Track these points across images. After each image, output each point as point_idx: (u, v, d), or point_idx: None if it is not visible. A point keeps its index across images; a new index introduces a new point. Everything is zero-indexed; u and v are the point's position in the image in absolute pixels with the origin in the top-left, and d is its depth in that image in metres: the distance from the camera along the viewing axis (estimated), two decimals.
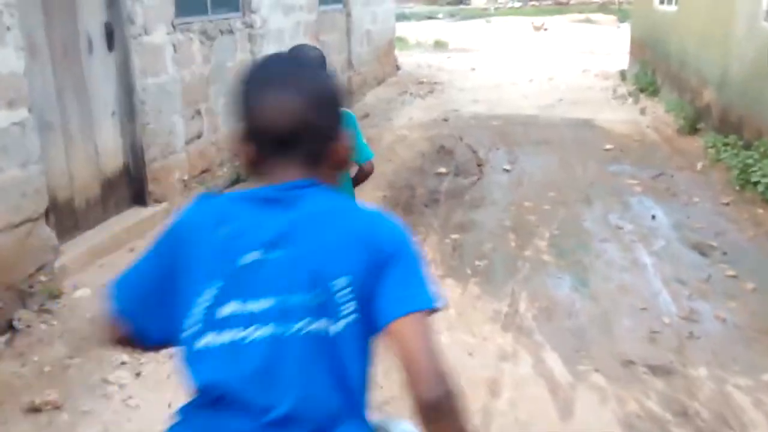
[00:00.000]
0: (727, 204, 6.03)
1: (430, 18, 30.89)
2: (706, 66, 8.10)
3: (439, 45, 20.05)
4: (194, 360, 1.23)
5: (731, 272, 4.63)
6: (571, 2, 37.75)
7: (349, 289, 1.20)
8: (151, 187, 5.30)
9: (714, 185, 6.55)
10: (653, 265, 4.82)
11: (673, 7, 9.86)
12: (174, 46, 5.52)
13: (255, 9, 7.11)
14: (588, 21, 29.98)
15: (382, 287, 1.21)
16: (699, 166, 7.17)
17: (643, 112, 9.86)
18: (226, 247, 1.23)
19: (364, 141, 3.37)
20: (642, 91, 10.96)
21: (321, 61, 3.04)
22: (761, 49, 6.44)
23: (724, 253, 4.96)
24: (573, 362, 3.57)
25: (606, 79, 13.08)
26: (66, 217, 4.53)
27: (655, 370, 3.50)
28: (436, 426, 1.14)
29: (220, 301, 1.21)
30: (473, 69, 14.58)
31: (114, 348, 1.51)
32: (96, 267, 4.49)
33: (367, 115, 10.09)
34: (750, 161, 6.15)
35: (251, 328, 1.19)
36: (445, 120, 9.75)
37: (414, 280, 1.24)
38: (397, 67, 14.27)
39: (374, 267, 1.21)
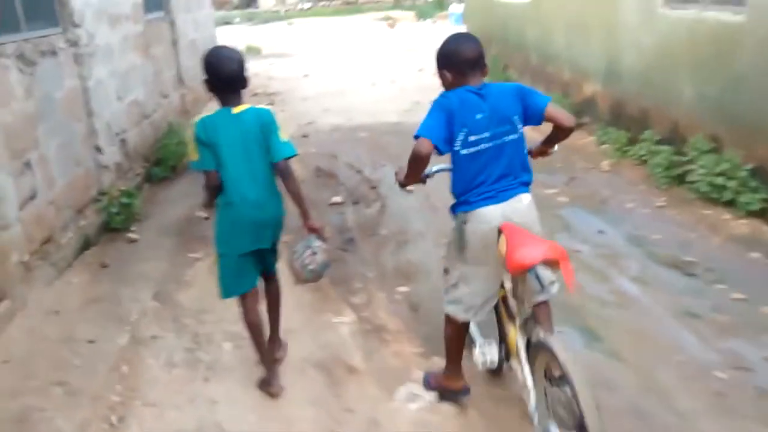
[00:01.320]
0: (663, 207, 5.55)
1: (227, 23, 29.10)
2: (584, 58, 7.72)
3: (252, 51, 18.69)
4: (460, 161, 2.75)
5: (737, 295, 4.04)
6: (360, 1, 37.87)
7: (518, 119, 2.75)
8: None
9: (636, 186, 6.08)
10: (646, 295, 4.13)
11: None
12: None
13: (78, 21, 5.53)
14: (388, 19, 29.99)
15: (530, 102, 2.75)
16: (605, 164, 6.72)
17: None
18: (467, 112, 2.69)
19: (282, 137, 3.06)
20: None
21: (242, 60, 3.07)
22: (665, 37, 6.06)
23: (710, 270, 4.39)
24: None
25: None
26: None
27: None
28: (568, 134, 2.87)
29: (469, 134, 2.70)
30: (306, 75, 13.52)
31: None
32: None
33: None
34: (676, 158, 5.74)
35: (482, 144, 2.72)
36: (305, 136, 8.62)
37: (540, 94, 2.80)
38: None
39: (522, 102, 2.76)
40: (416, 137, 2.69)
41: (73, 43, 5.46)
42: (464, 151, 2.71)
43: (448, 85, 2.80)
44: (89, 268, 4.81)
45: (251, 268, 3.21)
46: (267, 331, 3.40)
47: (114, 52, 6.31)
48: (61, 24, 5.39)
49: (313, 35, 22.73)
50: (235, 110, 3.02)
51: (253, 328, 3.23)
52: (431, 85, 12.16)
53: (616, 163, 6.68)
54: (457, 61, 2.75)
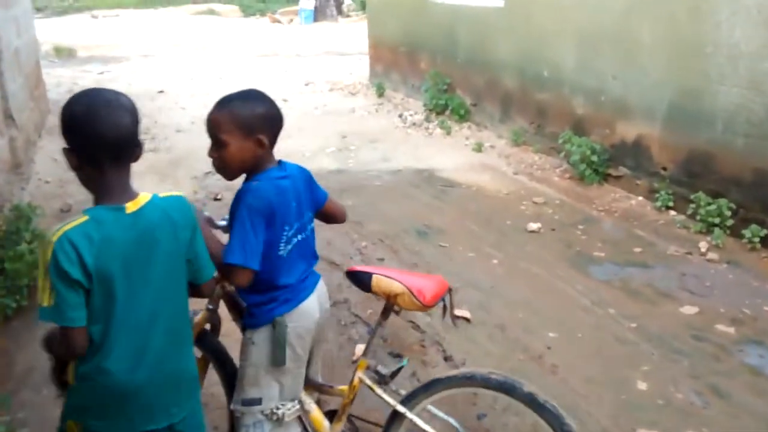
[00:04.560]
0: None
1: None
2: (623, 85, 5.70)
3: (63, 52, 14.87)
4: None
5: None
6: None
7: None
8: None
9: None
10: None
11: (491, 3, 7.32)
12: None
13: None
14: (211, 12, 26.63)
15: (316, 193, 2.33)
16: (704, 248, 4.76)
17: (479, 148, 7.20)
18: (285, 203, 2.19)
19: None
20: (438, 114, 8.33)
21: (135, 111, 1.75)
22: None
23: None
24: None
25: (353, 95, 10.17)
26: None
27: None
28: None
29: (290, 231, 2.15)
30: (162, 92, 10.32)
31: None
32: None
33: (68, 210, 5.58)
34: None
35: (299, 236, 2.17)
36: (218, 199, 5.82)
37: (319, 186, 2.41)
38: None
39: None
40: (233, 265, 1.99)
41: None
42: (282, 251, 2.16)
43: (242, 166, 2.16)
44: None
45: None
46: None
47: None
48: None
49: (132, 32, 19.06)
50: (131, 207, 1.67)
51: None
52: (338, 108, 9.58)
53: (720, 246, 4.74)
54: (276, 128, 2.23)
